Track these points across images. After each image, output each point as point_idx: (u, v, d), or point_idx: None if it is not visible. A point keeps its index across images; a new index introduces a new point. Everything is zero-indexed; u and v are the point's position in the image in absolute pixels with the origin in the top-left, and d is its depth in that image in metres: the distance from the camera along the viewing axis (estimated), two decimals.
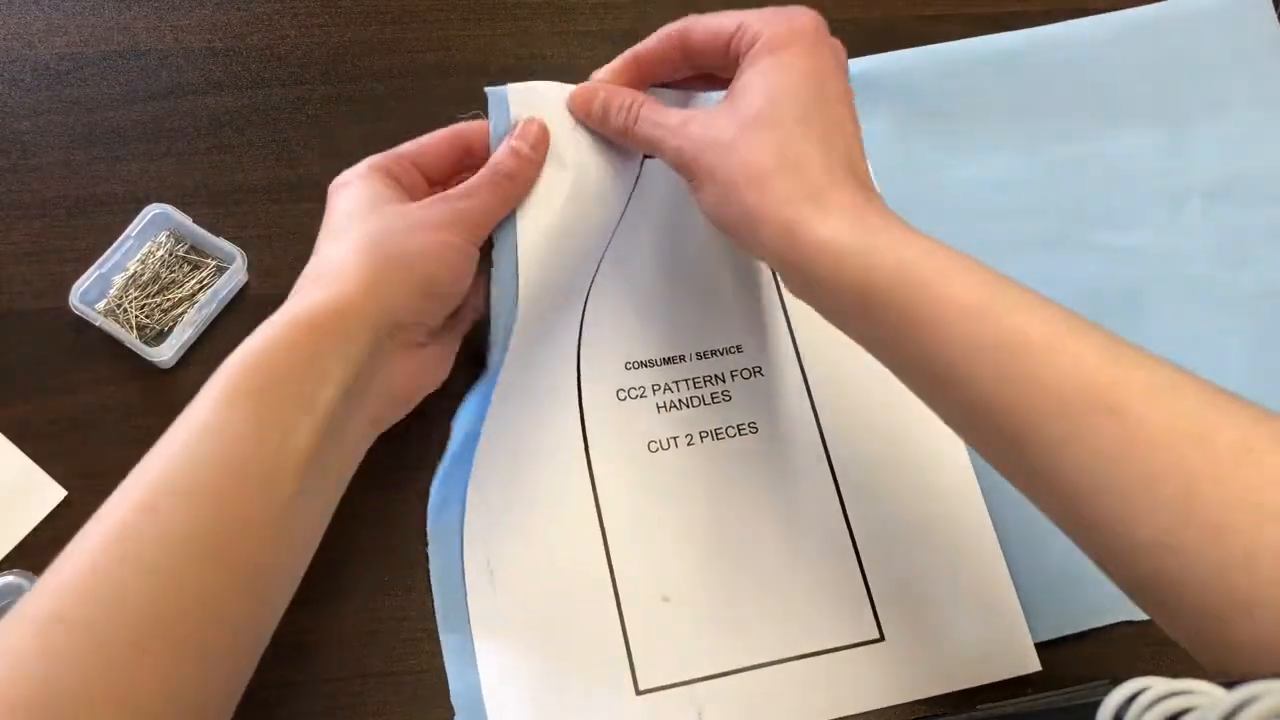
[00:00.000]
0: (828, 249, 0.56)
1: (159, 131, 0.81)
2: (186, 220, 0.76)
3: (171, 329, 0.74)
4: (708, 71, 0.68)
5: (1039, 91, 0.85)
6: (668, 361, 0.76)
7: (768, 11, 0.63)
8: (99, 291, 0.74)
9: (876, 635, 0.70)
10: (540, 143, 0.65)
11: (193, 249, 0.77)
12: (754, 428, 0.75)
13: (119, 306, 0.74)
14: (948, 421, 0.58)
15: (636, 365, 0.76)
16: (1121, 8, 0.89)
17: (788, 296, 0.78)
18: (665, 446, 0.74)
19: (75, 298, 0.72)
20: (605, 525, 0.72)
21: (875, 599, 0.71)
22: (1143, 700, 0.37)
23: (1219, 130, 0.85)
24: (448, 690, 0.68)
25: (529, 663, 0.68)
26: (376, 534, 0.71)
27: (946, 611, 0.71)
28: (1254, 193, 0.83)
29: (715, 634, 0.70)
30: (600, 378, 0.76)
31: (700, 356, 0.77)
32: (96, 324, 0.72)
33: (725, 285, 0.79)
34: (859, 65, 0.85)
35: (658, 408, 0.75)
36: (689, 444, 0.74)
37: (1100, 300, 0.78)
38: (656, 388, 0.76)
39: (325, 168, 0.78)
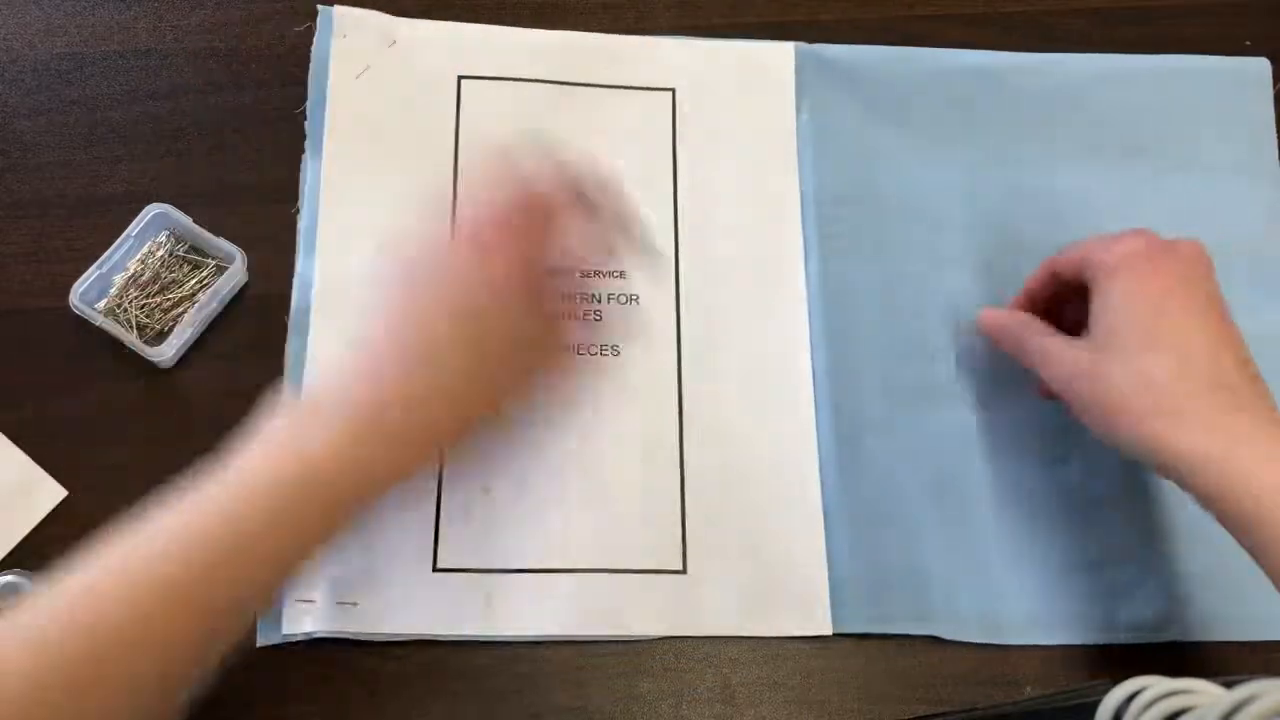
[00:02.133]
0: (1183, 459, 0.59)
1: (159, 131, 0.81)
2: (186, 220, 0.76)
3: (171, 329, 0.74)
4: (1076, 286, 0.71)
5: (1013, 113, 0.85)
6: (549, 272, 0.77)
7: (1106, 238, 0.68)
8: (99, 291, 0.74)
9: (680, 567, 0.72)
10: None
11: (193, 249, 0.77)
12: (616, 351, 0.77)
13: (119, 306, 0.74)
14: None
15: None
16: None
17: (684, 242, 0.80)
18: None
19: (75, 297, 0.72)
20: None
21: (688, 533, 0.73)
22: (1142, 699, 0.37)
23: (1189, 188, 0.83)
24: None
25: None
26: None
27: (753, 561, 0.73)
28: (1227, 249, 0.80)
29: (522, 532, 0.72)
30: None
31: (582, 275, 0.77)
32: (97, 324, 0.72)
33: None
34: (839, 51, 0.85)
35: None
36: None
37: None
38: None
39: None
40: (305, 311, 0.76)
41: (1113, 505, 0.75)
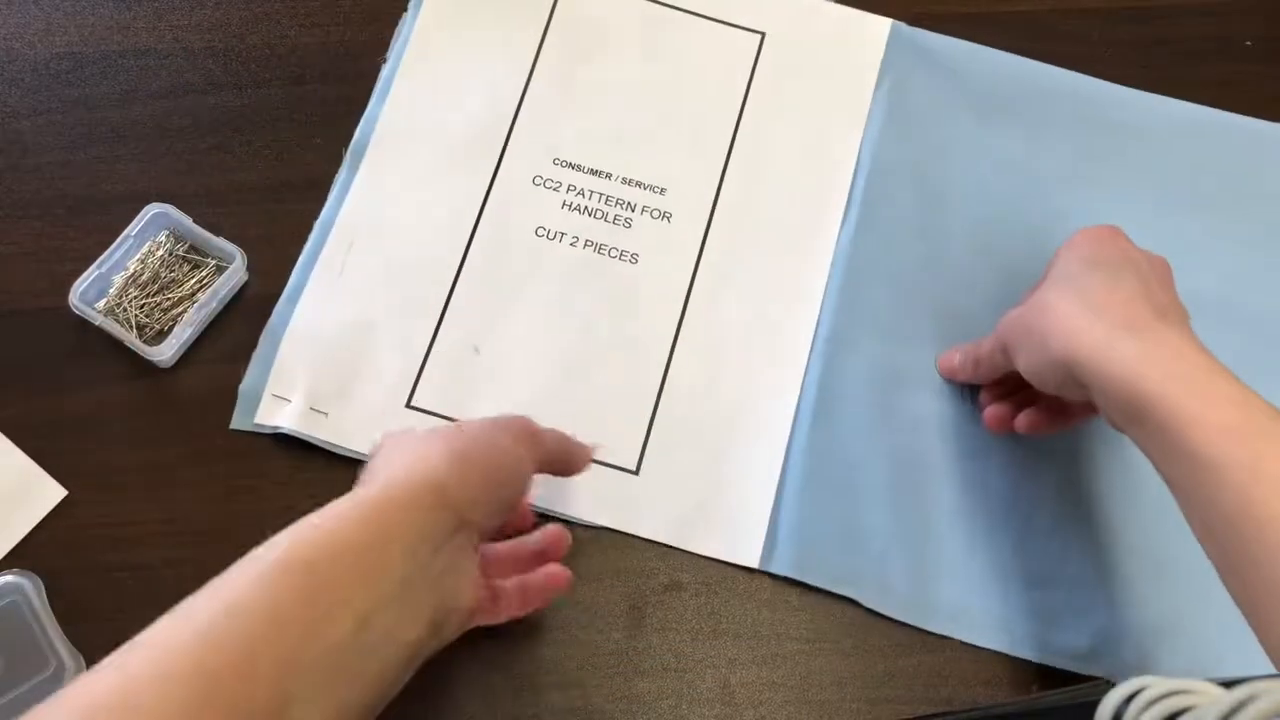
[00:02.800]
0: (1107, 356, 0.60)
1: (159, 131, 0.81)
2: (186, 220, 0.76)
3: (171, 328, 0.74)
4: None
5: (1088, 139, 0.84)
6: (594, 173, 0.82)
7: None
8: (99, 291, 0.74)
9: (634, 468, 0.75)
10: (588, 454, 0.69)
11: (192, 248, 0.77)
12: (635, 259, 0.80)
13: (119, 306, 0.74)
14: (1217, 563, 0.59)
15: (563, 164, 0.82)
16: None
17: (729, 180, 0.83)
18: (551, 238, 0.80)
19: (75, 297, 0.72)
20: (464, 264, 0.79)
21: (650, 439, 0.75)
22: (1142, 699, 0.37)
23: (1248, 254, 0.82)
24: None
25: (328, 344, 0.76)
26: None
27: (704, 481, 0.75)
28: (1234, 321, 0.79)
29: (498, 394, 0.76)
30: (521, 158, 0.82)
31: (625, 182, 0.82)
32: (96, 323, 0.72)
33: (682, 134, 0.84)
34: (936, 39, 0.86)
35: (563, 204, 0.81)
36: (572, 245, 0.80)
37: None
38: (572, 189, 0.82)
39: (324, 168, 0.78)
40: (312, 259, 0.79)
41: (1071, 530, 0.74)
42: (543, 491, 0.72)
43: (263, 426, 0.73)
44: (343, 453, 0.73)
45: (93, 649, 0.66)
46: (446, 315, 0.77)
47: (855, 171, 0.82)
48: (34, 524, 0.70)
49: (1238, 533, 0.53)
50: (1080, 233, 0.69)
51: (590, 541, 0.73)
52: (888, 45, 0.86)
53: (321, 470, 0.73)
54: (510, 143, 0.82)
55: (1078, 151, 0.84)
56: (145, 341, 0.73)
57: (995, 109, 0.85)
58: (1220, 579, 0.56)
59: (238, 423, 0.73)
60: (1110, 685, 0.38)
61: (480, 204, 0.80)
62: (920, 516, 0.74)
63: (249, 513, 0.72)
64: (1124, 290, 0.63)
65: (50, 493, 0.71)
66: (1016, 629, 0.72)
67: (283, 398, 0.74)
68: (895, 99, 0.84)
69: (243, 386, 0.74)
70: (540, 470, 0.64)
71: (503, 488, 0.61)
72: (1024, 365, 0.66)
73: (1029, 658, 0.71)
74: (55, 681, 0.65)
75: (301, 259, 0.78)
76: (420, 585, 0.54)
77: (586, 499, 0.73)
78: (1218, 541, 0.56)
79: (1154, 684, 0.37)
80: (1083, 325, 0.61)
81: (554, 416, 0.71)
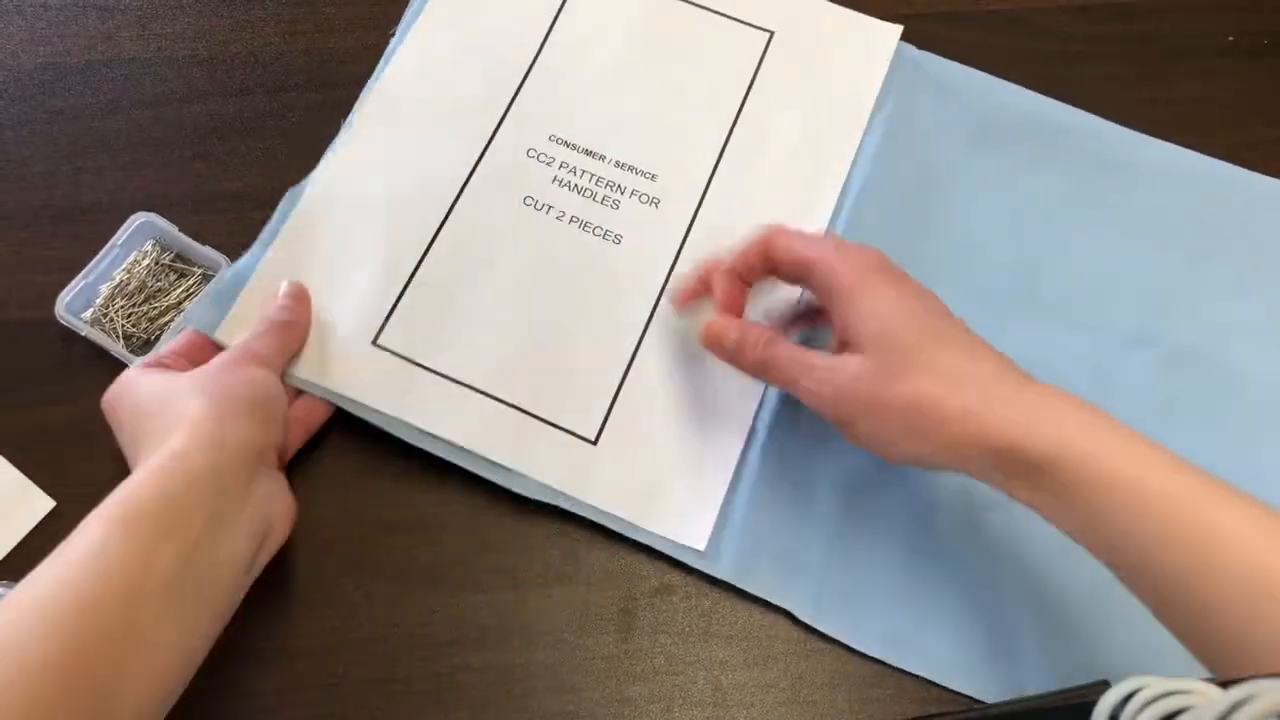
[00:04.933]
0: (1018, 440, 0.58)
1: (144, 140, 0.80)
2: (172, 229, 0.76)
3: (158, 337, 0.74)
4: (783, 278, 0.71)
5: (1090, 180, 0.83)
6: (588, 153, 0.83)
7: (839, 250, 0.66)
8: (85, 301, 0.74)
9: (592, 438, 0.75)
10: (302, 299, 0.75)
11: (179, 257, 0.77)
12: (619, 240, 0.80)
13: (105, 315, 0.74)
14: (1135, 591, 0.58)
15: (559, 141, 0.83)
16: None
17: (720, 175, 0.83)
18: (538, 209, 0.81)
19: (61, 307, 0.72)
20: (449, 220, 0.80)
21: (613, 412, 0.75)
22: (1139, 699, 0.37)
23: (1245, 306, 0.80)
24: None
25: (305, 274, 0.76)
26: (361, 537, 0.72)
27: (659, 460, 0.74)
28: (1214, 370, 0.78)
29: (464, 348, 0.76)
30: (518, 132, 0.83)
31: (619, 165, 0.83)
32: (83, 333, 0.72)
33: (679, 124, 0.84)
34: (942, 63, 0.86)
35: (554, 179, 0.82)
36: (558, 218, 0.81)
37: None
38: (564, 165, 0.82)
39: (310, 175, 0.78)
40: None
41: (1017, 578, 0.72)
42: (488, 440, 0.73)
43: (224, 343, 0.74)
44: (295, 384, 0.74)
45: None
46: (425, 262, 0.78)
47: (845, 186, 0.82)
48: (21, 536, 0.70)
49: (1198, 595, 0.53)
50: (874, 277, 0.65)
51: (581, 545, 0.73)
52: (892, 64, 0.86)
53: (311, 476, 0.73)
54: (509, 114, 0.83)
55: (1072, 188, 0.83)
56: (132, 351, 0.73)
57: (993, 138, 0.84)
58: (1165, 627, 0.57)
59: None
60: (1107, 685, 0.38)
61: (472, 166, 0.81)
62: (864, 535, 0.73)
63: None
64: (976, 351, 0.63)
65: (38, 504, 0.71)
66: (953, 664, 0.71)
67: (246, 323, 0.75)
68: (895, 121, 0.84)
69: (192, 316, 0.74)
70: (276, 361, 0.71)
71: (262, 409, 0.67)
72: (880, 449, 0.64)
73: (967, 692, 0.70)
74: None
75: (276, 213, 0.79)
76: (231, 513, 0.62)
77: (542, 460, 0.73)
78: (1165, 598, 0.56)
79: (1151, 684, 0.37)
80: (971, 402, 0.60)
81: (518, 377, 0.75)
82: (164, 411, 0.65)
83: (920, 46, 0.86)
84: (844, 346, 0.65)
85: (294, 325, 0.73)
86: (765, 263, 0.70)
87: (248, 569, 0.63)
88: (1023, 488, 0.59)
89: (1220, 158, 0.84)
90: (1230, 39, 0.89)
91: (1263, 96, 0.87)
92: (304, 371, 0.73)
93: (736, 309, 0.71)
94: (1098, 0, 0.90)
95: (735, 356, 0.69)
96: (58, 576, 0.55)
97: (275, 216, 0.78)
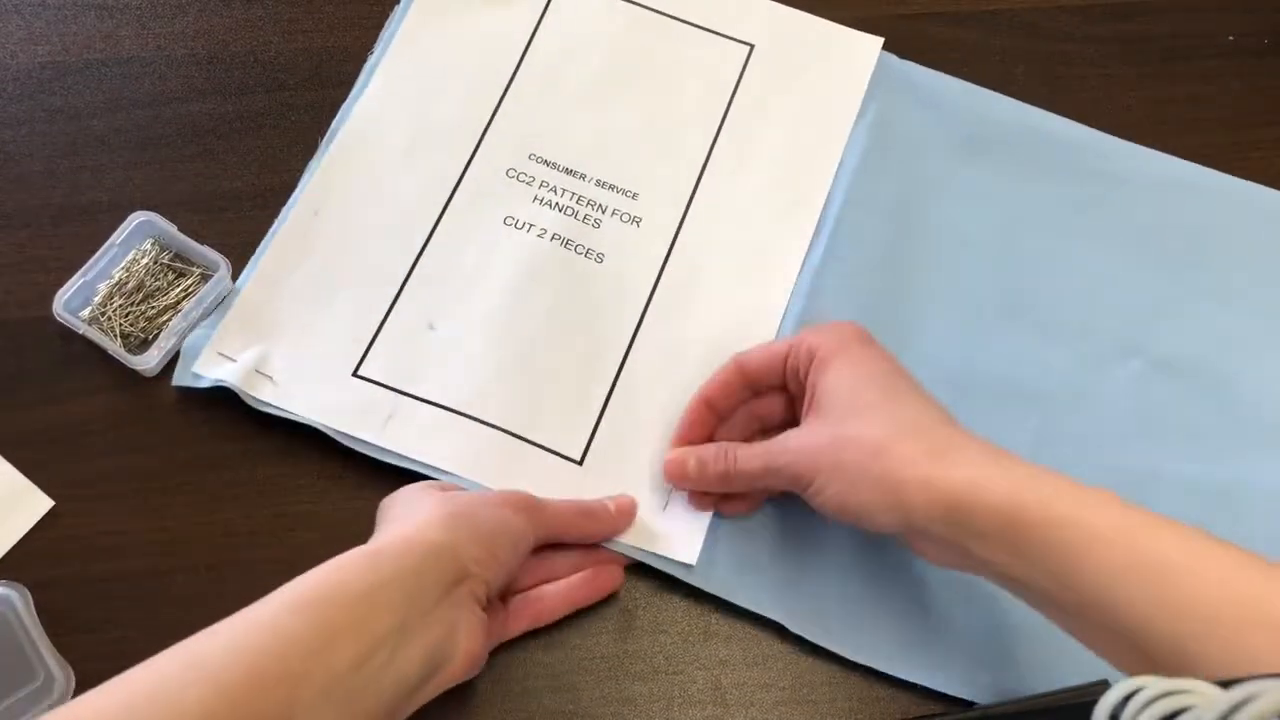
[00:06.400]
0: (972, 489, 0.58)
1: (143, 139, 0.80)
2: (171, 228, 0.75)
3: (156, 337, 0.74)
4: (763, 392, 0.73)
5: (1073, 188, 0.83)
6: (569, 172, 0.83)
7: (814, 328, 0.70)
8: (83, 300, 0.74)
9: (578, 458, 0.74)
10: (627, 515, 0.72)
11: (177, 257, 0.76)
12: (600, 258, 0.80)
13: (103, 315, 0.74)
14: (1086, 640, 0.58)
15: (538, 160, 0.83)
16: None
17: (702, 189, 0.83)
18: (519, 227, 0.80)
19: (59, 306, 0.72)
20: (429, 244, 0.79)
21: (598, 432, 0.75)
22: (1139, 699, 0.37)
23: (1229, 318, 0.80)
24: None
25: (282, 308, 0.76)
26: None
27: (646, 478, 0.74)
28: (1199, 381, 0.78)
29: (446, 372, 0.76)
30: (498, 149, 0.83)
31: (599, 184, 0.82)
32: (80, 332, 0.72)
33: (660, 141, 0.84)
34: (923, 72, 0.86)
35: (535, 198, 0.81)
36: (539, 236, 0.80)
37: (971, 381, 0.77)
38: (545, 184, 0.82)
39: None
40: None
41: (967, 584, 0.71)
42: (474, 464, 0.73)
43: (201, 378, 0.73)
44: (281, 415, 0.72)
45: (81, 659, 0.66)
46: (405, 289, 0.78)
47: (828, 198, 0.82)
48: (20, 535, 0.70)
49: (1156, 626, 0.53)
50: (850, 345, 0.67)
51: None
52: (874, 75, 0.85)
53: (310, 478, 0.73)
54: (488, 134, 0.83)
55: (1058, 198, 0.83)
56: (130, 350, 0.73)
57: (978, 149, 0.84)
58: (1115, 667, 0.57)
59: (178, 379, 0.73)
60: (1107, 685, 0.38)
61: (452, 187, 0.81)
62: (858, 549, 0.73)
63: (237, 521, 0.72)
64: (937, 416, 0.64)
65: (37, 503, 0.71)
66: (924, 663, 0.71)
67: (228, 356, 0.74)
68: (877, 130, 0.83)
69: (186, 343, 0.74)
70: (547, 540, 0.69)
71: (501, 550, 0.64)
72: (840, 504, 0.64)
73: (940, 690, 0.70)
74: (44, 692, 0.65)
75: (271, 230, 0.79)
76: (418, 630, 0.58)
77: (528, 482, 0.72)
78: (1119, 633, 0.55)
79: (1151, 684, 0.37)
80: (937, 470, 0.60)
81: (502, 399, 0.75)
82: (408, 511, 0.66)
83: (918, 46, 0.86)
84: (808, 413, 0.67)
85: (592, 519, 0.71)
86: (741, 378, 0.72)
87: (411, 694, 0.59)
88: (973, 536, 0.59)
89: (1220, 158, 0.84)
90: (1230, 39, 0.89)
91: (1263, 96, 0.87)
92: (274, 399, 0.73)
93: (700, 438, 0.73)
94: (1097, 0, 0.90)
95: (699, 479, 0.71)
96: (235, 642, 0.53)
97: (265, 237, 0.78)
